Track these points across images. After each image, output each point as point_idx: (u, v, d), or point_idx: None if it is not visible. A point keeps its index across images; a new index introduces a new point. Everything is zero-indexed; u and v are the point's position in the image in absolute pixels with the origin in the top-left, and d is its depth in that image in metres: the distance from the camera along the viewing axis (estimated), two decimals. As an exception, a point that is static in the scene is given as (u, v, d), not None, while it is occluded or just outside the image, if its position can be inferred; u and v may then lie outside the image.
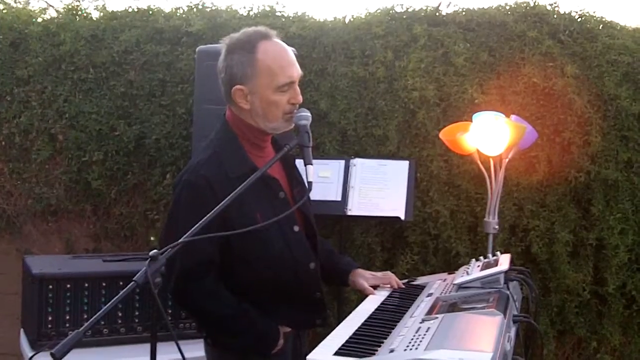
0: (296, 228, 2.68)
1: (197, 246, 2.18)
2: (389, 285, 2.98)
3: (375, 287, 2.96)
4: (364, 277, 2.97)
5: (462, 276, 2.76)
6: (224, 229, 2.28)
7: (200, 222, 2.12)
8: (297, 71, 2.60)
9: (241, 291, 2.60)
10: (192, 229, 2.11)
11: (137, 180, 4.73)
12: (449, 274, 3.09)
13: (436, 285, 2.90)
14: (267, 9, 4.79)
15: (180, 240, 2.04)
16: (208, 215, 2.15)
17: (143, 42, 4.68)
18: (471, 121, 3.90)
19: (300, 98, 2.61)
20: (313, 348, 2.12)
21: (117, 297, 1.89)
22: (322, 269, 3.01)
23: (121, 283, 3.50)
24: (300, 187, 2.77)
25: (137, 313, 3.58)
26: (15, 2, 4.80)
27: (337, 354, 2.07)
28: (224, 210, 2.24)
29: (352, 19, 4.76)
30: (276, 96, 2.56)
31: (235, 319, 2.59)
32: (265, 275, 2.60)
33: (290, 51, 2.63)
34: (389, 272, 3.06)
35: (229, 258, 2.56)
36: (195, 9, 4.81)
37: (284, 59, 2.58)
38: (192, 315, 2.58)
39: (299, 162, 2.64)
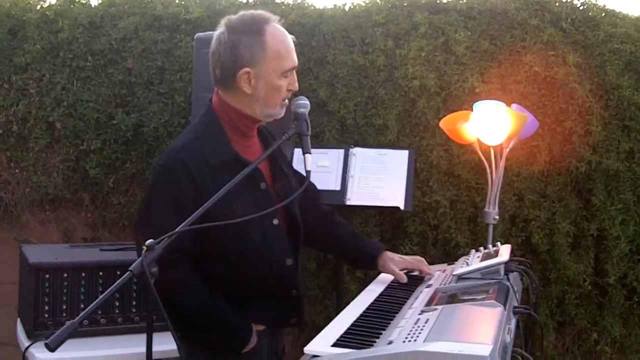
0: (275, 221, 2.62)
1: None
2: (417, 272, 2.96)
3: (407, 271, 2.93)
4: (393, 261, 2.93)
5: (461, 267, 2.74)
6: (201, 217, 2.17)
7: (191, 217, 2.08)
8: (296, 57, 2.59)
9: (216, 284, 2.54)
10: (189, 219, 2.08)
11: (135, 169, 4.71)
12: (449, 264, 3.08)
13: (436, 276, 2.88)
14: (267, -5, 4.77)
15: (177, 230, 2.01)
16: (201, 208, 2.12)
17: (141, 30, 4.65)
18: (472, 110, 3.88)
19: (297, 85, 2.60)
20: (310, 340, 2.10)
21: (112, 287, 1.87)
22: (346, 254, 2.99)
23: (118, 272, 3.47)
24: (286, 180, 2.73)
25: (134, 303, 3.56)
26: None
27: (335, 345, 2.05)
28: (202, 198, 2.20)
29: (352, 7, 4.72)
30: (280, 81, 2.53)
31: (206, 313, 2.53)
32: (240, 268, 2.54)
33: (290, 36, 2.62)
34: (419, 257, 3.03)
35: (205, 248, 2.49)
36: (193, -4, 4.78)
37: (289, 44, 2.57)
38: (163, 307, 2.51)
39: (298, 151, 2.62)
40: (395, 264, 2.92)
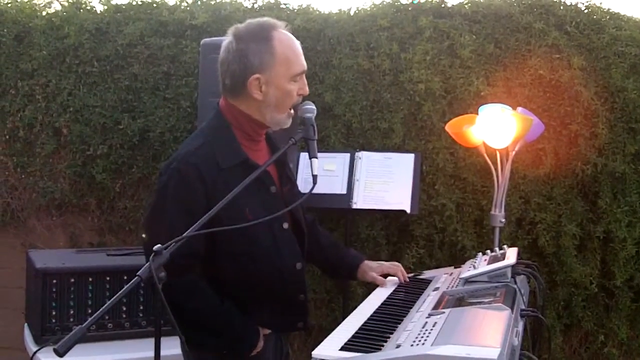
0: (285, 225, 2.62)
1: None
2: (394, 277, 2.97)
3: (385, 276, 2.95)
4: (371, 269, 2.97)
5: (468, 270, 2.74)
6: (211, 219, 2.16)
7: (203, 218, 2.09)
8: (305, 61, 2.60)
9: (224, 288, 2.54)
10: (197, 223, 2.09)
11: (142, 174, 4.72)
12: (456, 267, 3.08)
13: (442, 279, 2.88)
14: (272, 1, 4.77)
15: (185, 235, 2.01)
16: (210, 212, 2.12)
17: (147, 35, 4.66)
18: (477, 113, 3.88)
19: (307, 89, 2.60)
20: (317, 344, 2.10)
21: (120, 292, 1.87)
22: (328, 263, 2.99)
23: (125, 277, 3.49)
24: (291, 185, 2.74)
25: (141, 307, 3.56)
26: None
27: (342, 349, 2.06)
28: (214, 201, 2.20)
29: (357, 11, 4.74)
30: (290, 85, 2.54)
31: (214, 317, 2.53)
32: (249, 272, 2.54)
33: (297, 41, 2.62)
34: (396, 263, 3.05)
35: (213, 251, 2.49)
36: (199, 2, 4.78)
37: (297, 48, 2.57)
38: (170, 311, 2.50)
39: (304, 156, 2.62)
40: (374, 271, 2.96)
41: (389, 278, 2.99)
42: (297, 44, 2.58)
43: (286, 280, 2.62)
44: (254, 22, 2.56)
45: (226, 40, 2.56)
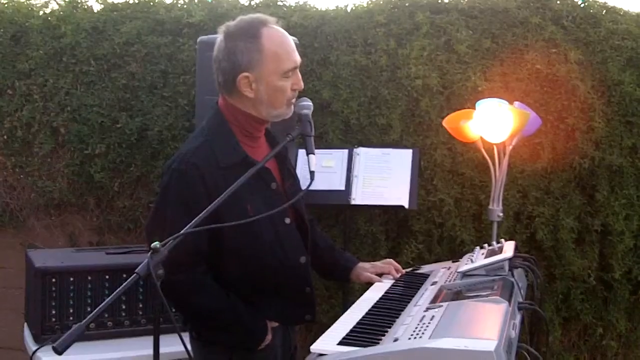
0: (287, 220, 2.64)
1: (186, 236, 2.07)
2: (390, 276, 2.98)
3: (380, 275, 2.96)
4: (365, 269, 2.99)
5: (466, 264, 2.75)
6: (213, 218, 2.18)
7: (200, 215, 2.10)
8: (298, 56, 2.60)
9: (230, 284, 2.56)
10: (194, 220, 2.09)
11: (140, 173, 4.72)
12: (454, 262, 3.09)
13: (440, 273, 2.89)
14: (269, -2, 4.78)
15: (182, 232, 2.02)
16: (207, 208, 2.13)
17: (144, 34, 4.66)
18: (474, 109, 3.89)
19: (302, 84, 2.60)
20: (317, 338, 2.11)
21: (118, 289, 1.88)
22: (322, 264, 3.00)
23: (124, 275, 3.47)
24: (293, 180, 2.75)
25: (140, 305, 3.57)
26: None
27: (341, 343, 2.06)
28: (214, 200, 2.21)
29: (354, 8, 4.73)
30: (282, 82, 2.54)
31: (222, 313, 2.55)
32: (254, 268, 2.57)
33: (290, 37, 2.62)
34: (389, 260, 3.07)
35: (218, 249, 2.51)
36: (196, 0, 4.78)
37: (288, 44, 2.57)
38: (178, 308, 2.54)
39: (302, 152, 2.63)
40: (368, 271, 2.99)
41: (384, 276, 3.00)
42: (289, 39, 2.58)
43: (291, 274, 2.65)
44: (245, 19, 2.56)
45: (218, 38, 2.57)
